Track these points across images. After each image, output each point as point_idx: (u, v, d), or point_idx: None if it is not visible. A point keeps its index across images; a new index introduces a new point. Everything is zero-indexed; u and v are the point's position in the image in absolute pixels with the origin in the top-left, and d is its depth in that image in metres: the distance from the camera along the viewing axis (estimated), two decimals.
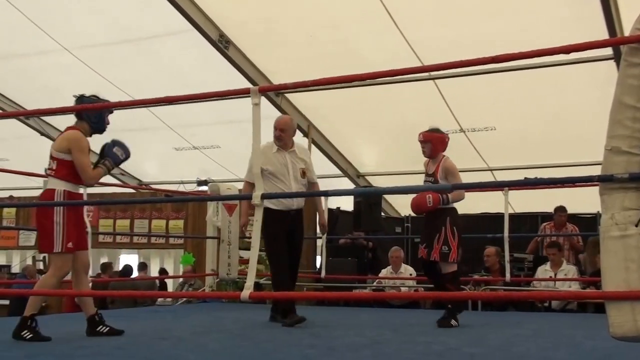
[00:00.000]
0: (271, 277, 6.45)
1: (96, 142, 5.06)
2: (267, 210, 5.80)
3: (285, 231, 6.06)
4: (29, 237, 13.65)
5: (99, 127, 4.98)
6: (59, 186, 4.74)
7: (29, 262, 13.61)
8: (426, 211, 5.91)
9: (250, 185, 6.01)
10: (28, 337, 4.39)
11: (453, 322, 5.73)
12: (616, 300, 2.70)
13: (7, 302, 11.35)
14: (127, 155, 4.99)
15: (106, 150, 4.91)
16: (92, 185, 5.05)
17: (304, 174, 6.19)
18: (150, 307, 9.29)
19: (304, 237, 6.53)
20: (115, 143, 4.97)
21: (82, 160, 4.73)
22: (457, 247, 5.83)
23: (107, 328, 4.79)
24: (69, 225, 4.63)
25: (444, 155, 6.03)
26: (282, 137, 6.14)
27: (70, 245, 4.62)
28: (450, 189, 3.99)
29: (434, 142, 6.02)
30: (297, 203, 6.16)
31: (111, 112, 5.07)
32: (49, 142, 13.29)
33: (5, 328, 4.88)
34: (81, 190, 4.91)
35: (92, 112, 4.89)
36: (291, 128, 6.35)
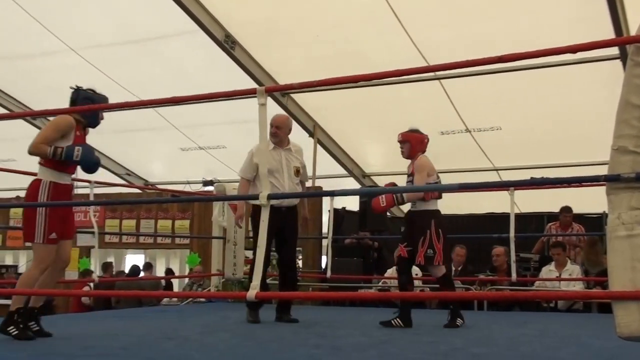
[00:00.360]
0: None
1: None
2: (255, 207, 5.97)
3: (275, 227, 5.96)
4: None
5: (92, 121, 4.92)
6: (45, 176, 4.65)
7: None
8: (381, 211, 5.94)
9: (247, 182, 6.26)
10: (14, 333, 4.34)
11: (458, 321, 5.73)
12: (623, 300, 2.69)
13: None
14: (84, 160, 4.72)
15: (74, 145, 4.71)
16: (29, 154, 4.82)
17: (297, 172, 6.29)
18: (156, 307, 9.30)
19: (297, 235, 6.57)
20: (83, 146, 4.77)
21: (43, 130, 4.70)
22: (442, 250, 5.78)
23: (17, 331, 4.42)
24: (52, 215, 4.55)
25: (420, 155, 6.00)
26: (278, 134, 6.23)
27: (53, 236, 4.55)
28: (456, 188, 3.96)
29: (412, 143, 6.00)
30: (288, 200, 6.19)
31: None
32: None
33: None
34: (68, 181, 4.77)
35: (85, 105, 4.83)
36: (287, 126, 6.40)
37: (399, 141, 6.08)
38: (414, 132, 6.10)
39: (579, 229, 9.28)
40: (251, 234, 9.83)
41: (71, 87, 4.91)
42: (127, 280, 10.88)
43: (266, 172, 4.21)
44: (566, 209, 9.27)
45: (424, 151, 6.03)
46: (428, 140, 6.09)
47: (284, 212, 6.14)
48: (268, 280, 8.98)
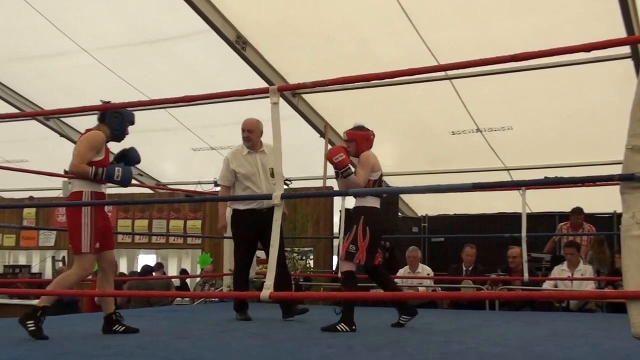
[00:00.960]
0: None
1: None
2: (235, 211, 6.30)
3: (255, 231, 6.23)
4: (49, 238, 13.76)
5: (119, 134, 5.08)
6: (85, 187, 4.82)
7: (49, 262, 13.73)
8: (331, 163, 5.57)
9: (226, 189, 6.45)
10: (30, 328, 4.42)
11: (341, 326, 5.27)
12: (638, 300, 2.68)
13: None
14: (123, 181, 4.99)
15: (113, 164, 5.00)
16: (71, 174, 5.03)
17: (273, 173, 6.14)
18: (169, 307, 9.33)
19: (282, 233, 6.45)
20: (126, 161, 5.14)
21: (80, 150, 4.82)
22: (366, 250, 5.48)
23: (123, 327, 4.90)
24: (96, 226, 4.74)
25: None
26: (250, 137, 6.38)
27: (97, 245, 4.73)
28: (470, 188, 3.94)
29: (358, 141, 5.76)
30: (267, 202, 6.04)
31: (132, 123, 5.20)
32: (68, 143, 13.48)
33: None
34: (103, 189, 4.96)
35: (115, 120, 5.01)
36: (258, 129, 6.48)
37: (344, 140, 5.91)
38: (359, 129, 5.85)
39: (590, 228, 9.24)
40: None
41: (102, 101, 5.04)
42: (138, 280, 10.90)
43: (281, 172, 4.19)
44: (577, 211, 9.22)
45: (369, 148, 5.78)
46: (374, 137, 5.82)
47: (266, 213, 5.99)
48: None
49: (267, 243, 5.96)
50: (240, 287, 6.40)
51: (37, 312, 4.49)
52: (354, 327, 5.29)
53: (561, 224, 9.63)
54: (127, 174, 5.02)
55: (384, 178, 12.66)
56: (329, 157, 5.67)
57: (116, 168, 4.92)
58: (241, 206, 6.30)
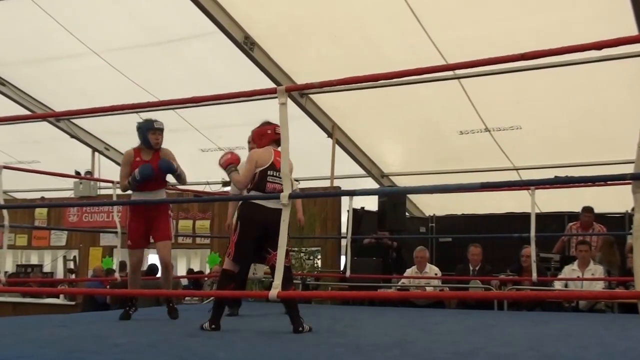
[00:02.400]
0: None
1: None
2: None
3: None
4: (60, 238, 13.83)
5: (146, 144, 5.97)
6: (132, 197, 6.01)
7: (60, 262, 13.80)
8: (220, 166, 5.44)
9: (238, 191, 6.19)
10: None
11: (205, 325, 5.17)
12: None
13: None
14: (142, 175, 5.79)
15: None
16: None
17: None
18: (178, 306, 9.33)
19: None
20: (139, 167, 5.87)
21: (120, 170, 6.00)
22: (235, 244, 5.31)
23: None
24: (129, 226, 5.93)
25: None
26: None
27: (129, 243, 5.83)
28: (478, 187, 3.95)
29: (255, 139, 5.59)
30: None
31: (151, 129, 5.99)
32: (79, 144, 13.55)
33: (47, 324, 4.95)
34: (146, 196, 5.95)
35: (139, 133, 5.97)
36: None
37: (248, 141, 6.13)
38: (260, 126, 5.57)
39: (600, 229, 9.20)
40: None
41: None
42: (145, 280, 10.94)
43: (288, 173, 4.20)
44: (587, 209, 9.18)
45: (266, 144, 5.44)
46: (273, 131, 5.40)
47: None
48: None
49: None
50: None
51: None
52: (214, 327, 5.12)
53: (570, 223, 9.59)
54: (142, 170, 5.76)
55: (392, 178, 12.79)
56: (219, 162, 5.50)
57: (134, 172, 5.76)
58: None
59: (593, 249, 9.04)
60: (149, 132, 5.94)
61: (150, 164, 5.84)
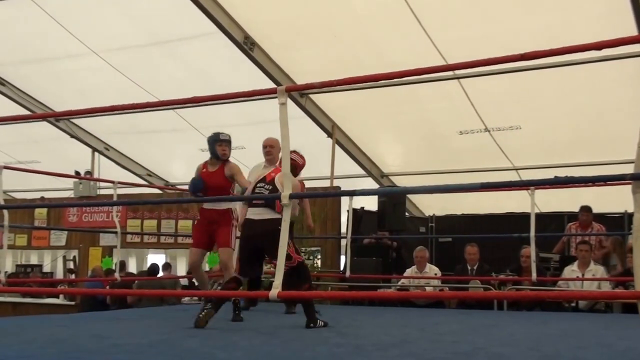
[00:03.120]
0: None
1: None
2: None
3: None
4: (60, 238, 13.83)
5: (214, 156, 6.32)
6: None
7: (60, 262, 13.80)
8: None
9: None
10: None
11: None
12: None
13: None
14: (192, 188, 6.28)
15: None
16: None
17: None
18: (178, 306, 9.35)
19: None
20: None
21: None
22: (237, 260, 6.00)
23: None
24: (194, 228, 6.65)
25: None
26: (271, 152, 6.94)
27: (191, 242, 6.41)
28: (478, 187, 3.96)
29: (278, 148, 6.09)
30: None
31: (218, 141, 6.31)
32: (78, 144, 13.56)
33: (45, 325, 4.95)
34: (207, 206, 6.38)
35: (209, 146, 6.36)
36: (278, 145, 6.81)
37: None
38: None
39: (599, 228, 9.20)
40: None
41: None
42: (146, 280, 10.95)
43: (289, 173, 4.20)
44: (585, 208, 9.18)
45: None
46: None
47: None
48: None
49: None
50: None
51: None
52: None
53: (570, 223, 9.59)
54: (190, 184, 6.27)
55: (392, 178, 12.80)
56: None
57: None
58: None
59: (602, 249, 9.06)
60: (216, 144, 6.27)
61: (199, 178, 6.27)
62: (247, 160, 13.22)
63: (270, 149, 6.97)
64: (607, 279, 8.19)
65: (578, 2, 8.20)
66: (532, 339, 5.01)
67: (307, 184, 11.96)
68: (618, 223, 9.95)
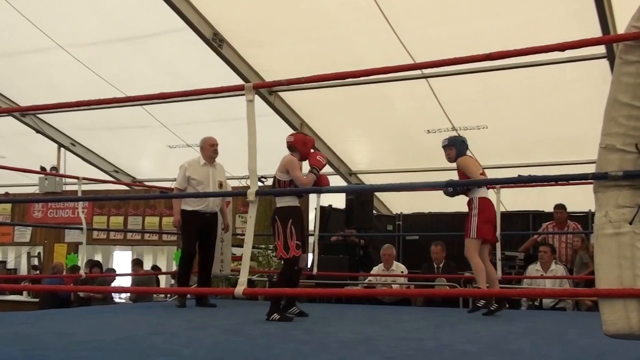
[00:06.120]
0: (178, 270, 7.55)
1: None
2: (183, 211, 7.04)
3: (197, 229, 7.07)
4: (24, 233, 13.69)
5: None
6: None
7: (24, 258, 13.66)
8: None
9: (179, 192, 7.16)
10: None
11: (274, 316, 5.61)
12: (609, 298, 2.71)
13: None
14: None
15: None
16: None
17: (221, 185, 7.22)
18: (143, 303, 9.30)
19: (216, 238, 7.43)
20: None
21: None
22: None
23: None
24: None
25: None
26: (217, 151, 7.28)
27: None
28: (443, 186, 3.98)
29: (298, 145, 6.15)
30: (212, 207, 7.17)
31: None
32: (44, 140, 13.41)
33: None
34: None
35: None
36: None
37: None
38: (298, 134, 6.46)
39: (575, 226, 9.30)
40: (238, 231, 9.91)
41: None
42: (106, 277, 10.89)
43: (255, 170, 4.19)
44: (559, 206, 9.26)
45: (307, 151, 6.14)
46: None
47: (208, 217, 7.15)
48: (254, 277, 9.23)
49: (203, 245, 7.16)
50: (184, 281, 7.21)
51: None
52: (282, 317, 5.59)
53: (546, 223, 9.64)
54: None
55: (360, 176, 12.83)
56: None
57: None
58: (188, 207, 7.05)
59: (571, 246, 9.12)
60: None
61: None
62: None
63: (217, 147, 7.28)
64: (569, 277, 8.30)
65: (547, 4, 8.27)
66: (496, 337, 5.05)
67: None
68: (583, 222, 10.07)
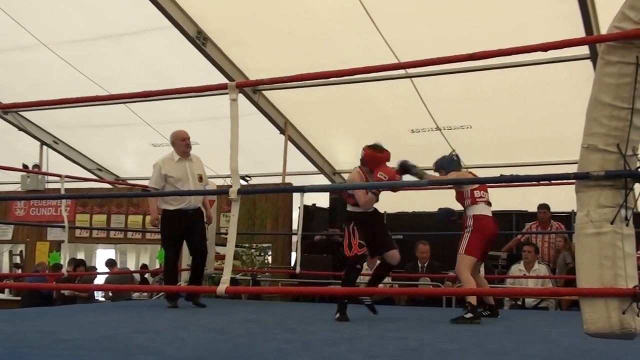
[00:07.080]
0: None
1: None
2: (164, 211, 6.89)
3: (181, 229, 6.91)
4: (6, 232, 13.61)
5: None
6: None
7: (6, 256, 13.57)
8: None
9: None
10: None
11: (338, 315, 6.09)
12: (590, 297, 2.72)
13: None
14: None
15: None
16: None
17: (200, 178, 7.03)
18: (127, 302, 9.26)
19: (205, 231, 7.24)
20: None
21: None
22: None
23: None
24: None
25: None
26: (190, 145, 7.11)
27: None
28: (426, 183, 4.02)
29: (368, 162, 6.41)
30: (194, 203, 6.97)
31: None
32: (27, 138, 13.31)
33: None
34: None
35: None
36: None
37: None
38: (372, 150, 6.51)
39: (558, 226, 9.33)
40: (222, 230, 9.89)
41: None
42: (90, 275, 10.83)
43: (237, 168, 4.18)
44: (542, 206, 9.29)
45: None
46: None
47: (191, 214, 6.96)
48: (238, 276, 9.22)
49: (191, 240, 7.02)
50: (170, 280, 6.98)
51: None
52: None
53: (530, 223, 9.67)
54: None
55: (344, 175, 12.84)
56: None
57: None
58: (170, 207, 6.86)
59: (554, 246, 9.15)
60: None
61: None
62: (201, 156, 13.17)
63: (189, 142, 7.12)
64: (552, 276, 8.33)
65: (532, 5, 8.31)
66: (478, 336, 5.06)
67: (260, 180, 11.99)
68: (565, 222, 10.11)
